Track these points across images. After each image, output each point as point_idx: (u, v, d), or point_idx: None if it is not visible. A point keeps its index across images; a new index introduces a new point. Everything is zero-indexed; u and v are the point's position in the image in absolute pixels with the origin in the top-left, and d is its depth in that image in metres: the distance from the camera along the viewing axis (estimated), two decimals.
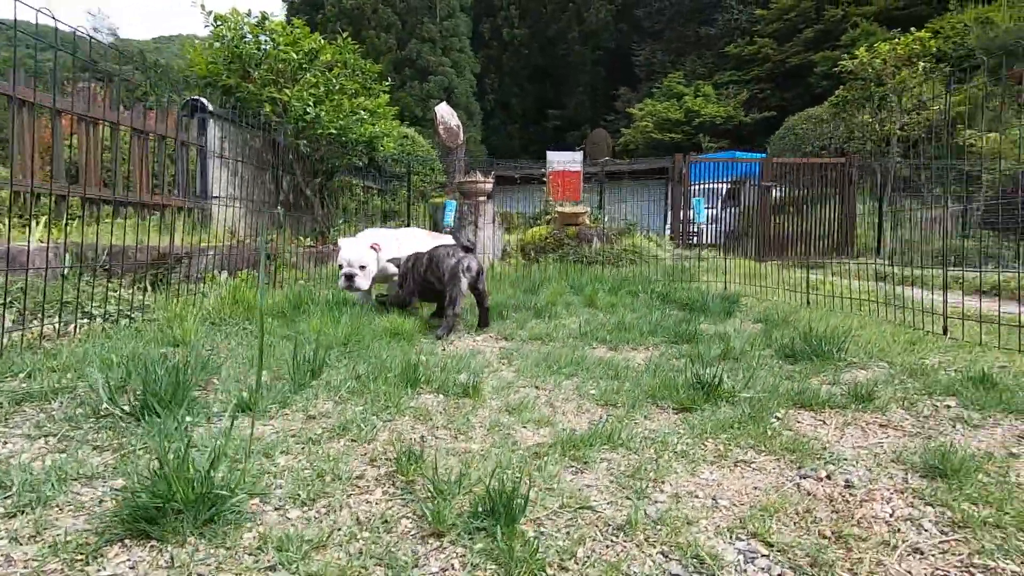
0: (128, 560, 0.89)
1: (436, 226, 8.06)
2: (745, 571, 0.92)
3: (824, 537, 1.02)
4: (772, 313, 3.72)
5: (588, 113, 37.15)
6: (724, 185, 11.45)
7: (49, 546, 0.92)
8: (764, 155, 15.47)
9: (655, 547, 0.97)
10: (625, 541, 0.99)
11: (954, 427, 1.63)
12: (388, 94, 7.91)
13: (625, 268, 7.02)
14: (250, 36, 6.55)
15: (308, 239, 6.78)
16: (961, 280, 5.50)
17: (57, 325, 2.57)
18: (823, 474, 1.29)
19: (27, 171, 4.29)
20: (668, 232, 12.53)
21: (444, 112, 12.73)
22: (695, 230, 10.82)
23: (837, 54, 20.77)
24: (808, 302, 4.30)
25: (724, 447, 1.43)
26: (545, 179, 12.10)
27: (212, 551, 0.92)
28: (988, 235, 8.68)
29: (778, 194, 10.74)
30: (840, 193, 10.31)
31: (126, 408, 1.53)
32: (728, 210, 11.38)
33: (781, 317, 3.53)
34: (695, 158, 10.84)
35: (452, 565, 0.90)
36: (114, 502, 1.07)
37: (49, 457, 1.27)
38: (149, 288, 3.78)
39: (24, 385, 1.76)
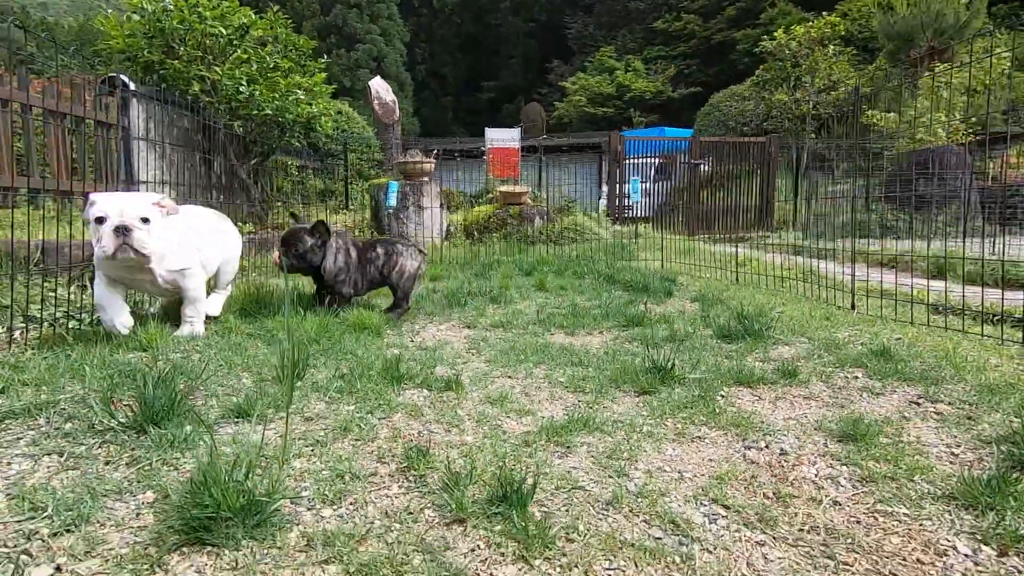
0: (192, 566, 1.00)
1: (378, 207, 7.98)
2: (710, 530, 1.15)
3: (767, 498, 1.28)
4: (707, 292, 4.08)
5: (522, 85, 37.01)
6: (656, 160, 11.94)
7: (110, 560, 1.01)
8: (691, 131, 16.18)
9: (639, 517, 1.19)
10: (615, 514, 1.20)
11: (861, 396, 1.97)
12: (324, 72, 7.65)
13: (567, 247, 7.29)
14: (172, 7, 6.13)
15: (247, 224, 6.56)
16: (866, 254, 6.17)
17: (1, 332, 2.47)
18: (763, 444, 1.56)
19: None
20: (603, 207, 12.95)
21: (378, 87, 12.39)
22: (629, 204, 11.26)
23: (758, 32, 21.82)
24: (737, 279, 4.72)
25: (682, 425, 1.68)
26: (484, 156, 12.13)
27: (266, 552, 1.05)
28: (886, 209, 9.62)
29: (706, 169, 11.34)
30: (761, 170, 11.04)
31: (123, 421, 1.58)
32: (659, 184, 11.92)
33: (715, 296, 3.89)
34: (623, 138, 11.21)
35: (478, 546, 1.08)
36: (152, 515, 1.16)
37: (64, 476, 1.32)
38: (88, 286, 3.62)
39: (0, 401, 1.74)
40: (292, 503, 1.21)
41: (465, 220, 8.64)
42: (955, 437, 1.60)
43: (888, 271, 5.16)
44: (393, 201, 7.90)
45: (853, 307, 3.44)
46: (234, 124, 6.54)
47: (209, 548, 1.05)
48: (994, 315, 3.15)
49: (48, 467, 1.37)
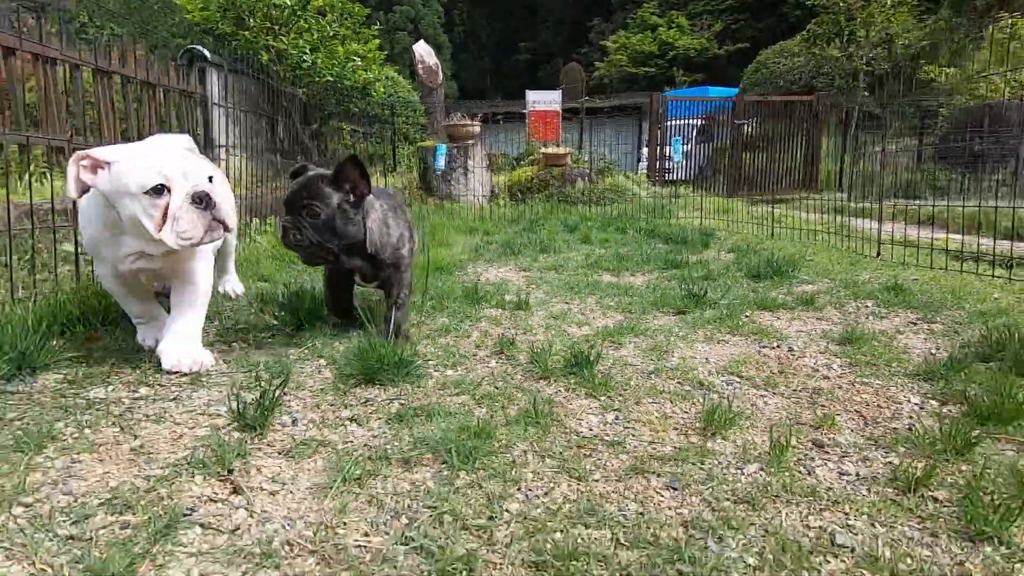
0: (368, 393, 1.51)
1: (426, 170, 8.42)
2: (727, 388, 1.58)
3: (773, 373, 1.70)
4: (742, 244, 4.40)
5: (560, 46, 36.34)
6: (698, 121, 11.91)
7: (316, 391, 1.53)
8: (736, 90, 15.86)
9: (673, 380, 1.64)
10: (655, 378, 1.65)
11: (867, 318, 2.33)
12: (377, 39, 8.03)
13: (608, 207, 7.60)
14: None
15: None
16: (904, 211, 6.27)
17: None
18: (775, 345, 1.97)
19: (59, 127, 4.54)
20: (643, 169, 13.04)
21: (422, 51, 12.66)
22: (670, 167, 11.33)
23: None
24: (772, 234, 5.00)
25: (710, 333, 2.10)
26: (526, 118, 12.34)
27: (414, 389, 1.54)
28: (939, 169, 9.44)
29: (749, 131, 11.28)
30: (807, 130, 10.92)
31: (278, 321, 2.10)
32: (701, 146, 11.92)
33: (750, 247, 4.22)
34: (664, 99, 11.20)
35: (560, 390, 1.55)
36: (329, 371, 1.67)
37: (256, 353, 1.85)
38: None
39: None
40: (424, 363, 1.70)
41: (509, 181, 9.01)
42: (937, 343, 1.97)
43: (925, 227, 5.32)
44: (442, 163, 8.32)
45: (878, 254, 3.72)
46: (299, 91, 7.03)
47: (378, 385, 1.55)
48: (1010, 259, 3.39)
49: (241, 349, 1.90)
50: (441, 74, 12.80)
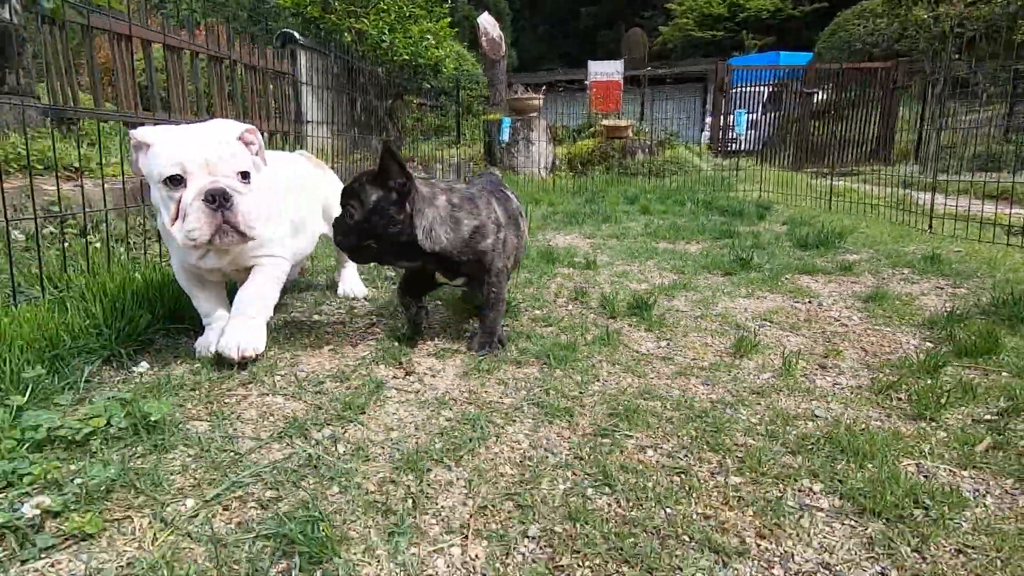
0: (471, 327, 2.02)
1: (491, 142, 8.86)
2: (759, 330, 1.99)
3: (799, 320, 2.09)
4: (797, 217, 4.63)
5: (622, 10, 35.33)
6: (766, 89, 11.65)
7: (444, 319, 2.05)
8: (810, 55, 15.21)
9: (716, 322, 2.06)
10: (701, 320, 2.08)
11: (898, 283, 2.64)
12: (448, 17, 8.44)
13: (668, 179, 7.81)
14: None
15: None
16: (982, 185, 6.18)
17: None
18: (807, 301, 2.34)
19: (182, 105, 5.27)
20: (706, 140, 12.92)
21: (487, 23, 12.93)
22: (733, 137, 11.21)
23: None
24: (829, 207, 5.16)
25: (751, 291, 2.49)
26: (587, 90, 12.45)
27: (512, 321, 2.04)
28: None
29: (822, 98, 10.95)
30: (883, 98, 10.54)
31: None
32: (768, 115, 11.68)
33: (804, 220, 4.45)
34: (730, 67, 11.00)
35: (624, 326, 2.01)
36: (446, 309, 2.20)
37: (393, 295, 2.40)
38: None
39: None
40: (517, 305, 2.20)
41: (569, 154, 9.32)
42: (954, 303, 2.28)
43: (1002, 202, 5.31)
44: (506, 136, 8.72)
45: (930, 227, 3.89)
46: (377, 69, 7.59)
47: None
48: None
49: (377, 289, 2.46)
50: (504, 45, 13.06)
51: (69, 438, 1.18)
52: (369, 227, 1.56)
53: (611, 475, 1.08)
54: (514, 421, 1.32)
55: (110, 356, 1.59)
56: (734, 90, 11.14)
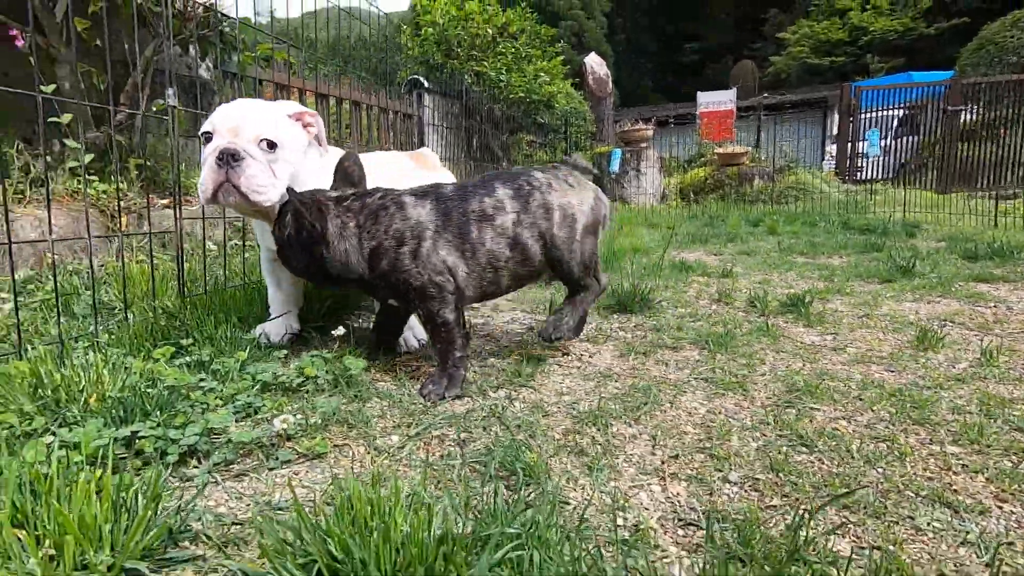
0: (624, 317, 2.03)
1: (601, 174, 8.94)
2: (941, 331, 1.81)
3: (988, 322, 1.87)
4: (956, 234, 4.17)
5: (729, 43, 34.64)
6: (898, 111, 10.75)
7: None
8: (950, 73, 13.85)
9: (883, 321, 1.90)
10: (866, 319, 1.93)
11: None
12: (561, 55, 8.81)
13: (791, 205, 7.39)
14: (453, 16, 7.80)
15: None
16: None
17: None
18: (991, 305, 2.09)
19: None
20: (831, 166, 12.08)
21: (593, 63, 13.28)
22: (862, 164, 10.41)
23: None
24: (995, 223, 4.59)
25: (920, 295, 2.27)
26: (697, 120, 12.25)
27: (652, 316, 2.03)
28: None
29: (968, 117, 9.91)
30: None
31: None
32: (901, 140, 10.72)
33: (965, 236, 4.00)
34: (857, 89, 10.28)
35: (779, 323, 1.92)
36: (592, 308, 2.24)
37: (541, 294, 2.49)
38: None
39: None
40: (658, 303, 2.19)
41: (681, 183, 9.16)
42: None
43: None
44: (616, 167, 8.78)
45: None
46: (494, 107, 8.05)
47: (627, 313, 2.07)
48: None
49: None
50: (610, 83, 13.31)
51: (286, 384, 1.36)
52: (299, 257, 1.43)
53: (807, 437, 1.03)
54: (684, 392, 1.31)
55: (314, 328, 1.80)
56: (863, 114, 10.40)
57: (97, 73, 3.00)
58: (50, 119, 2.60)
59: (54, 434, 0.99)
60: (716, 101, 12.82)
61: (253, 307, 1.84)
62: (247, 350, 1.51)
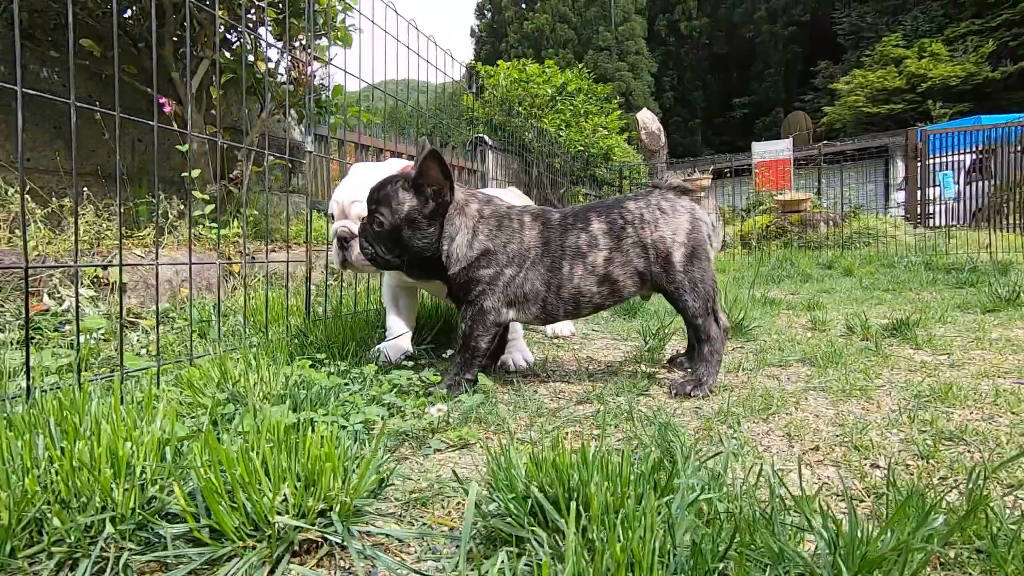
0: None
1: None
2: None
3: None
4: None
5: (778, 96, 34.81)
6: (968, 156, 10.39)
7: (621, 351, 2.14)
8: (1021, 115, 13.33)
9: (999, 344, 1.85)
10: (978, 342, 1.88)
11: None
12: (618, 110, 9.16)
13: (860, 249, 7.18)
14: (515, 79, 8.31)
15: None
16: None
17: None
18: None
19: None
20: (897, 212, 11.69)
21: (645, 118, 13.62)
22: (933, 210, 10.03)
23: None
24: None
25: None
26: (753, 171, 12.23)
27: (749, 341, 2.05)
28: None
29: None
30: None
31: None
32: (973, 185, 10.30)
33: None
34: (925, 133, 10.04)
35: (886, 345, 1.90)
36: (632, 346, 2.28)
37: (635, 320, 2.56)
38: None
39: None
40: (754, 331, 2.20)
41: (741, 231, 9.10)
42: None
43: None
44: None
45: None
46: (553, 161, 8.39)
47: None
48: None
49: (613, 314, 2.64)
50: (663, 138, 13.59)
51: (417, 391, 1.47)
52: (397, 238, 1.42)
53: (952, 433, 1.04)
54: (807, 399, 1.33)
55: (425, 349, 1.93)
56: (932, 159, 10.12)
57: (222, 132, 3.41)
58: (182, 173, 2.97)
59: (248, 415, 1.13)
60: (772, 151, 12.80)
61: (367, 330, 2.00)
62: (373, 363, 1.64)
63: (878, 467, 0.94)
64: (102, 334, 2.03)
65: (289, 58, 3.16)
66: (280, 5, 2.95)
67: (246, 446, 0.80)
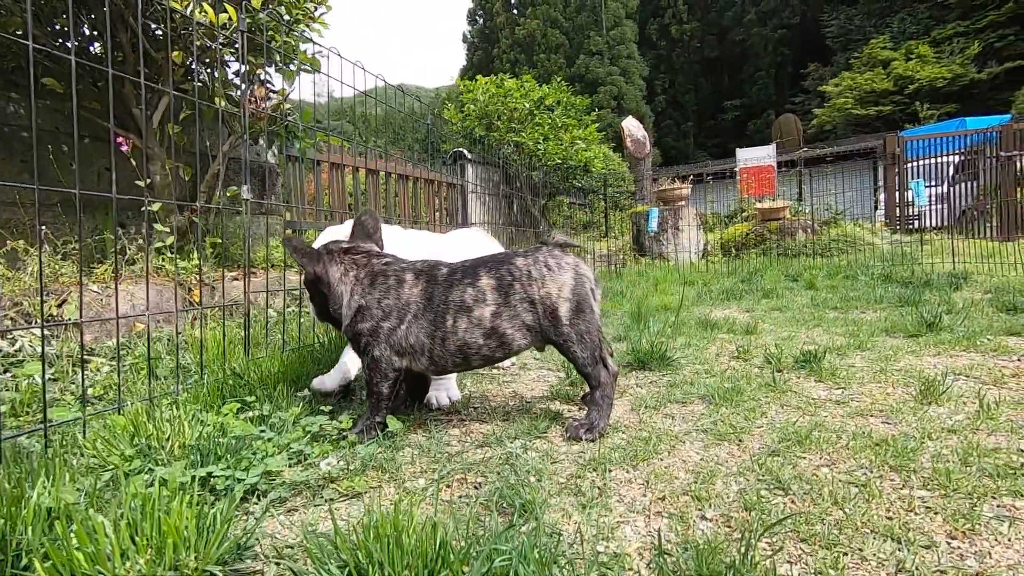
0: (643, 374, 2.16)
1: (639, 232, 9.13)
2: (953, 382, 1.85)
3: (1005, 376, 1.89)
4: (1004, 285, 4.07)
5: (769, 99, 35.09)
6: (953, 158, 10.52)
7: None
8: (1007, 117, 13.50)
9: (898, 375, 1.95)
10: (880, 374, 1.99)
11: None
12: (596, 123, 9.28)
13: (836, 257, 7.30)
14: (493, 94, 8.44)
15: None
16: None
17: None
18: (1016, 359, 2.10)
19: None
20: (880, 218, 11.83)
21: (631, 126, 13.75)
22: (914, 214, 10.16)
23: None
24: None
25: (942, 350, 2.29)
26: (736, 177, 12.36)
27: (674, 373, 2.15)
28: None
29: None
30: None
31: None
32: (957, 187, 10.44)
33: (1014, 288, 3.90)
34: (902, 139, 10.17)
35: (792, 378, 2.00)
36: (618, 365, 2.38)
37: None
38: None
39: None
40: (679, 360, 2.30)
41: (721, 238, 9.22)
42: None
43: None
44: (654, 226, 8.96)
45: None
46: (532, 174, 8.51)
47: (646, 370, 2.20)
48: None
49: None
50: (649, 145, 13.72)
51: (331, 436, 1.57)
52: (311, 297, 1.68)
53: (784, 482, 1.14)
54: (684, 442, 1.43)
55: (350, 390, 2.03)
56: (910, 163, 10.25)
57: (183, 167, 3.51)
58: (142, 208, 3.06)
59: (151, 471, 1.22)
60: (755, 157, 12.93)
61: (305, 366, 2.10)
62: (300, 405, 1.74)
63: (706, 519, 1.04)
64: (51, 374, 2.12)
65: (250, 94, 3.27)
66: (236, 46, 3.06)
67: (118, 514, 0.90)
